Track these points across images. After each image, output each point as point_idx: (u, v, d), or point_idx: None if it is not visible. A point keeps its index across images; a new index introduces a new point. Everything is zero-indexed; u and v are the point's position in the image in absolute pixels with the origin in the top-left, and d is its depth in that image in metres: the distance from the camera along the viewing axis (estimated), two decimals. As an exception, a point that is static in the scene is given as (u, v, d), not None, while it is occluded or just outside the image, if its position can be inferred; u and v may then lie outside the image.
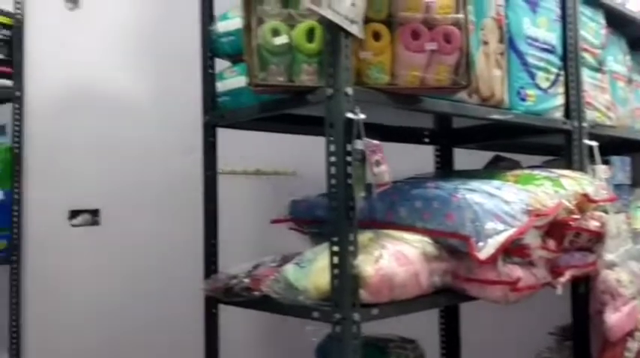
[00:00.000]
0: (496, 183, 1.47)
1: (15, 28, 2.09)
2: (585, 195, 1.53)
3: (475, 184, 1.43)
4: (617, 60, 2.14)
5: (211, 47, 1.57)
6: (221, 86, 1.55)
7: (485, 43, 1.55)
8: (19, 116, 2.09)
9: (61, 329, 2.40)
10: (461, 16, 1.32)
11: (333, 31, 1.21)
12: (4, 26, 2.07)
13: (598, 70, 1.97)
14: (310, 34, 1.26)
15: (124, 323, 2.57)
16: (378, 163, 1.19)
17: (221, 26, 1.53)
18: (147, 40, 2.72)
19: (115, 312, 2.56)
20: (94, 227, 2.54)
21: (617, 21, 2.11)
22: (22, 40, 2.10)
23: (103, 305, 2.54)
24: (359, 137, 1.19)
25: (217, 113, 1.57)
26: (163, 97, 2.75)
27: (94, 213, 2.55)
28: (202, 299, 1.97)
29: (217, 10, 1.61)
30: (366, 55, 1.27)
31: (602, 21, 2.02)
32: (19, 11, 2.11)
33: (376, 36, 1.28)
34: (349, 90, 1.21)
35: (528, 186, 1.50)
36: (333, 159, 1.21)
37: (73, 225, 2.49)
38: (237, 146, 1.91)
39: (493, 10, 1.57)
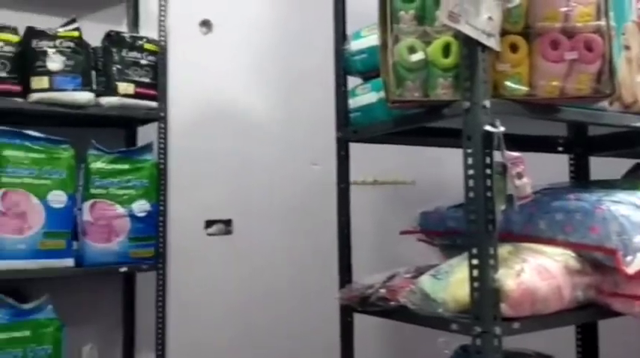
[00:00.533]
0: (644, 194, 1.40)
1: (159, 54, 2.28)
2: None
3: (620, 195, 1.37)
4: None
5: (344, 65, 1.63)
6: (353, 103, 1.61)
7: (627, 47, 1.48)
8: (163, 134, 2.28)
9: (200, 329, 2.58)
10: (602, 23, 1.28)
11: (469, 45, 1.22)
12: (151, 53, 2.27)
13: None
14: (446, 49, 1.28)
15: (256, 328, 2.72)
16: (519, 176, 1.18)
17: (354, 45, 1.58)
18: (276, 60, 2.88)
19: (247, 316, 2.71)
20: (228, 236, 2.71)
21: None
22: (165, 64, 2.29)
23: (236, 309, 2.70)
24: (499, 149, 1.19)
25: (350, 129, 1.62)
26: (292, 114, 2.89)
27: (227, 222, 2.72)
28: (326, 304, 2.03)
29: (349, 29, 1.67)
30: (503, 67, 1.27)
31: None
32: (162, 38, 2.30)
33: (513, 48, 1.28)
34: (487, 103, 1.22)
35: (680, 197, 1.42)
36: (471, 171, 1.22)
37: (209, 234, 2.68)
38: (355, 157, 1.96)
39: (634, 14, 1.50)
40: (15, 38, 2.04)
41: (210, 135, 2.69)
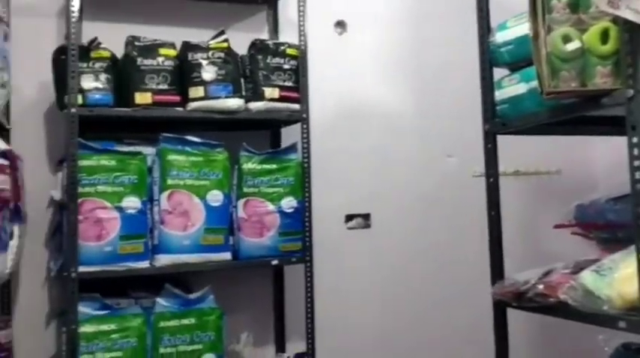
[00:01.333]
0: None
1: (300, 58, 2.38)
2: None
3: None
4: None
5: (490, 57, 1.61)
6: (499, 94, 1.59)
7: None
8: (306, 135, 2.39)
9: (344, 318, 2.68)
10: None
11: (631, 30, 1.16)
12: (292, 57, 2.38)
13: None
14: (604, 36, 1.23)
15: (398, 317, 2.77)
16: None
17: (499, 36, 1.56)
18: (410, 56, 2.90)
19: (389, 305, 2.77)
20: (366, 229, 2.78)
21: None
22: (306, 67, 2.39)
23: (378, 299, 2.77)
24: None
25: (498, 121, 1.60)
26: (426, 108, 2.89)
27: (366, 216, 2.79)
28: (471, 298, 2.01)
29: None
30: (668, 50, 1.19)
31: None
32: (302, 43, 2.41)
33: (681, 28, 1.19)
34: (652, 90, 1.15)
35: None
36: (637, 163, 1.16)
37: (349, 228, 2.76)
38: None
39: None
40: (173, 52, 2.24)
41: (349, 133, 2.77)
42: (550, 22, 1.26)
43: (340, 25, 2.84)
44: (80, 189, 2.05)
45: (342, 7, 2.81)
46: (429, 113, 2.89)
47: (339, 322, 2.63)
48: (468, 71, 2.70)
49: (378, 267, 2.77)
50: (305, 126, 2.38)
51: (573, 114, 1.37)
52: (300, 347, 2.44)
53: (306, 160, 2.38)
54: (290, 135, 2.57)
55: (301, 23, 2.41)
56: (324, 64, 2.66)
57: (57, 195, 2.19)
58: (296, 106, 2.36)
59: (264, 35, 2.67)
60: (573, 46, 1.23)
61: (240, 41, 2.41)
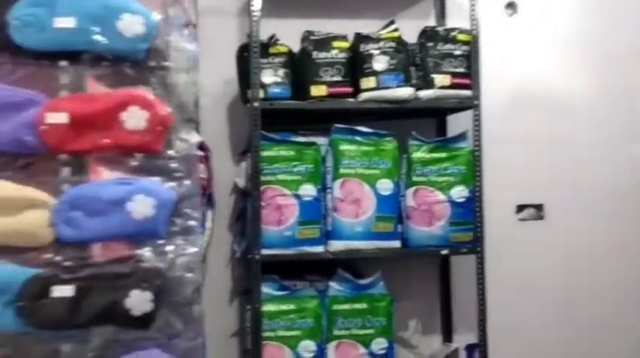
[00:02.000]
0: None
1: (472, 43, 2.32)
2: None
3: None
4: None
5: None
6: None
7: None
8: (477, 122, 2.33)
9: (516, 310, 2.59)
10: None
11: None
12: (464, 43, 2.33)
13: None
14: None
15: (573, 318, 2.62)
16: None
17: None
18: (586, 38, 2.71)
19: (564, 303, 2.64)
20: (539, 221, 2.66)
21: None
22: (478, 53, 2.32)
23: (551, 295, 2.64)
24: None
25: None
26: (606, 93, 2.70)
27: (539, 207, 2.67)
28: None
29: None
30: None
31: None
32: (474, 27, 2.34)
33: None
34: None
35: None
36: None
37: (520, 219, 2.66)
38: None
39: None
40: (346, 45, 2.30)
41: (520, 119, 2.67)
42: None
43: (511, 6, 2.72)
44: (262, 178, 2.19)
45: (513, -13, 2.69)
46: (608, 98, 2.69)
47: (507, 317, 2.55)
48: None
49: (552, 263, 2.64)
50: (477, 113, 2.33)
51: None
52: (468, 338, 2.42)
53: (477, 148, 2.33)
54: (456, 122, 2.53)
55: (472, 7, 2.34)
56: (494, 48, 2.59)
57: (241, 183, 2.36)
58: (467, 93, 2.32)
59: (432, 21, 2.65)
60: None
61: (408, 29, 2.41)
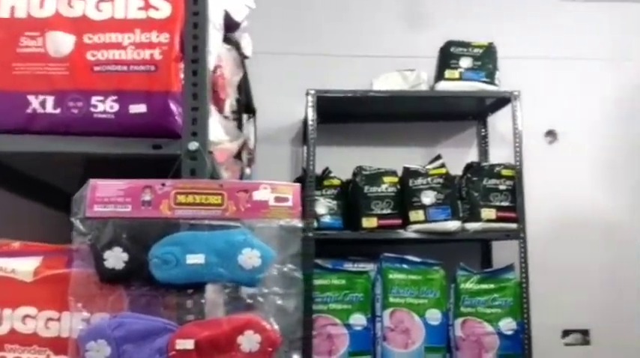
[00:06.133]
0: None
1: (516, 178, 2.42)
2: None
3: None
4: None
5: None
6: None
7: None
8: (523, 253, 2.39)
9: None
10: None
11: None
12: (508, 178, 2.43)
13: None
14: None
15: None
16: None
17: None
18: (624, 163, 2.79)
19: None
20: (585, 346, 2.66)
21: None
22: (522, 187, 2.41)
23: None
24: None
25: None
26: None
27: (585, 332, 2.68)
28: None
29: None
30: None
31: None
32: (517, 162, 2.45)
33: None
34: None
35: None
36: None
37: (566, 344, 2.67)
38: None
39: None
40: (395, 180, 2.43)
41: (566, 245, 2.72)
42: None
43: (551, 134, 2.84)
44: (314, 306, 2.27)
45: (552, 116, 2.81)
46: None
47: None
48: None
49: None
50: (522, 244, 2.39)
51: None
52: None
53: (524, 280, 2.38)
54: (501, 247, 2.60)
55: (517, 143, 2.45)
56: (536, 175, 2.66)
57: (291, 309, 2.44)
58: (513, 226, 2.39)
59: (475, 148, 2.77)
60: None
61: (452, 159, 2.54)
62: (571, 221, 2.75)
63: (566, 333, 2.69)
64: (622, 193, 2.78)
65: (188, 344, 0.91)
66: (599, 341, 2.67)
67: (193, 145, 0.93)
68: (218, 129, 1.08)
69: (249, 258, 0.94)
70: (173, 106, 0.98)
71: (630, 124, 2.82)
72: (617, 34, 2.86)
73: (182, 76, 0.98)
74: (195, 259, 0.92)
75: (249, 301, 0.95)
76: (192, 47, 0.97)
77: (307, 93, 2.38)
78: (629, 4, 2.87)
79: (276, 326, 0.94)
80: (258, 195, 0.94)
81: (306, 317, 2.24)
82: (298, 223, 0.96)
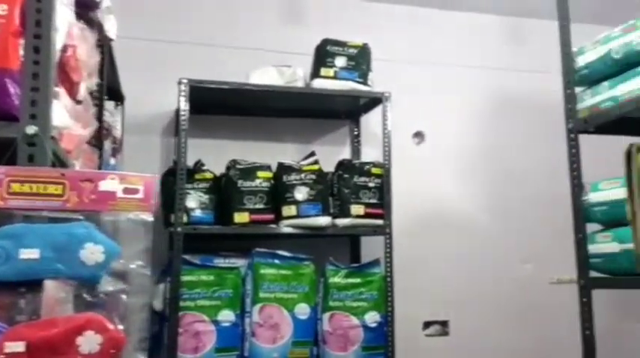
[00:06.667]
0: None
1: (384, 176, 2.51)
2: None
3: None
4: None
5: (583, 215, 1.69)
6: (593, 248, 1.66)
7: None
8: (389, 248, 2.48)
9: None
10: None
11: None
12: (377, 176, 2.52)
13: None
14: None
15: None
16: None
17: (593, 196, 1.65)
18: (485, 163, 2.99)
19: None
20: (444, 337, 2.83)
21: None
22: (390, 185, 2.51)
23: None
24: None
25: (592, 276, 1.67)
26: (502, 215, 2.97)
27: (444, 323, 2.84)
28: None
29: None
30: None
31: None
32: (386, 161, 2.54)
33: None
34: None
35: None
36: None
37: (427, 335, 2.81)
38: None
39: None
40: (269, 175, 2.42)
41: (428, 241, 2.86)
42: (648, 206, 1.34)
43: (418, 135, 2.97)
44: (181, 303, 2.20)
45: (420, 118, 2.95)
46: (504, 220, 2.96)
47: None
48: (544, 179, 2.79)
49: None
50: (388, 241, 2.48)
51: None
52: None
53: (389, 273, 2.47)
54: (369, 242, 2.68)
55: (386, 143, 2.54)
56: (404, 174, 2.77)
57: (158, 305, 2.35)
58: (380, 222, 2.48)
59: (348, 147, 2.84)
60: (673, 231, 1.31)
61: (325, 154, 2.59)
62: (433, 218, 2.90)
63: (427, 325, 2.83)
64: (480, 193, 2.97)
65: (18, 346, 0.83)
66: (457, 331, 2.84)
67: (31, 129, 0.85)
68: (63, 114, 1.00)
69: (92, 253, 0.88)
70: (10, 85, 0.89)
71: (490, 128, 3.03)
72: (482, 44, 3.06)
73: (22, 52, 0.90)
74: (29, 254, 0.84)
75: (91, 299, 0.89)
76: (35, 21, 0.88)
77: (180, 83, 2.31)
78: (493, 16, 3.07)
79: (120, 326, 0.88)
80: (105, 186, 0.88)
81: (173, 315, 2.18)
82: (149, 217, 0.91)
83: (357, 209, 2.45)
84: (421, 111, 2.94)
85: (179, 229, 2.23)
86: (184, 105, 2.30)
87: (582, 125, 1.74)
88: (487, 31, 3.07)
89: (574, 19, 1.82)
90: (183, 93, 2.30)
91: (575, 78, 1.77)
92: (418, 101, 2.92)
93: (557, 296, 2.59)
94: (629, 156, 1.42)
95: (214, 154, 2.52)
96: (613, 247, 1.57)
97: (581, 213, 1.68)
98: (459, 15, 3.05)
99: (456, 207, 2.94)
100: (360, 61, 2.57)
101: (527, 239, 2.95)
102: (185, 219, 2.27)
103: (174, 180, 2.28)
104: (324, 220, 2.40)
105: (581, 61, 1.75)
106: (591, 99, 1.72)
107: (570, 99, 1.77)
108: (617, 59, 1.62)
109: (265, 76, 2.50)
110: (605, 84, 1.67)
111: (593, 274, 1.68)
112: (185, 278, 2.24)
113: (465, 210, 2.94)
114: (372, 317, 2.41)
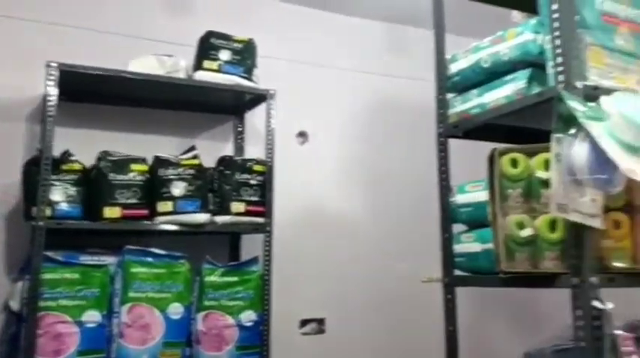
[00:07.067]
0: None
1: (266, 174, 2.49)
2: None
3: None
4: None
5: (450, 215, 1.76)
6: (458, 248, 1.73)
7: None
8: (268, 247, 2.46)
9: None
10: None
11: (576, 226, 1.33)
12: (259, 173, 2.49)
13: None
14: (552, 224, 1.39)
15: None
16: (629, 354, 1.26)
17: (459, 198, 1.72)
18: (364, 165, 3.06)
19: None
20: (320, 335, 2.85)
21: None
22: (272, 183, 2.49)
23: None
24: (609, 325, 1.28)
25: (457, 274, 1.75)
26: (378, 213, 3.04)
27: (321, 321, 2.86)
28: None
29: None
30: (608, 242, 1.36)
31: None
32: (269, 158, 2.52)
33: (616, 224, 1.37)
34: (594, 280, 1.31)
35: None
36: (582, 345, 1.30)
37: (303, 333, 2.82)
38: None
39: None
40: (144, 168, 2.31)
41: (308, 240, 2.87)
42: (506, 208, 1.42)
43: (302, 134, 2.98)
44: (41, 303, 2.04)
45: (305, 117, 2.96)
46: (382, 220, 3.04)
47: None
48: (420, 182, 2.89)
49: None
50: (268, 239, 2.46)
51: (525, 287, 1.52)
52: None
53: (267, 272, 2.45)
54: (250, 240, 2.64)
55: (269, 139, 2.52)
56: (287, 173, 2.76)
57: (15, 305, 2.16)
58: (260, 220, 2.45)
59: (231, 143, 2.79)
60: (527, 232, 1.40)
61: (207, 150, 2.53)
62: (314, 217, 2.91)
63: (303, 323, 2.84)
64: (359, 194, 3.03)
65: None
66: (333, 329, 2.88)
67: None
68: None
69: None
70: None
71: (370, 132, 3.10)
72: (364, 48, 3.13)
73: None
74: None
75: None
76: None
77: (48, 66, 2.14)
78: (376, 22, 3.15)
79: None
80: None
81: (31, 316, 2.02)
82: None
83: (237, 206, 2.41)
84: (305, 111, 2.95)
85: (41, 223, 2.07)
86: (53, 91, 2.13)
87: (452, 130, 1.81)
88: (369, 36, 3.15)
89: (451, 31, 1.91)
90: (51, 78, 2.14)
91: (448, 84, 1.85)
92: (303, 101, 2.92)
93: (430, 294, 2.69)
94: (491, 160, 1.50)
95: (86, 145, 2.36)
96: (475, 247, 1.65)
97: (448, 214, 1.75)
98: (344, 18, 3.10)
99: (336, 207, 2.98)
100: (246, 56, 2.53)
101: (403, 239, 3.04)
102: (49, 212, 2.10)
103: (38, 170, 2.11)
104: (202, 217, 2.33)
105: (453, 69, 1.83)
106: (461, 105, 1.80)
107: (442, 105, 1.84)
108: (486, 68, 1.71)
109: (145, 65, 2.38)
110: (475, 91, 1.76)
111: (459, 273, 1.77)
112: (46, 276, 2.08)
113: (344, 210, 2.99)
114: (248, 316, 2.38)
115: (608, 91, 1.36)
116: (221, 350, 2.31)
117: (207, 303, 2.34)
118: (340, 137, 3.03)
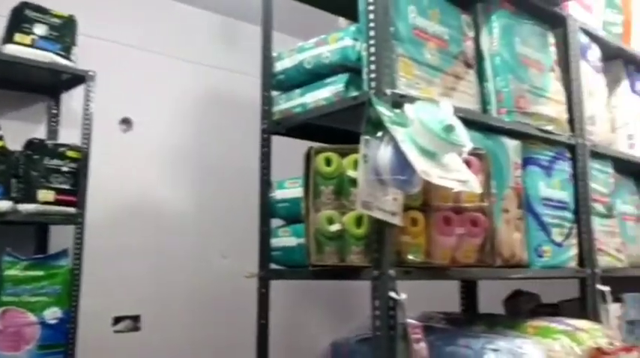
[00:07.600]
0: (518, 341, 1.64)
1: (81, 160, 2.33)
2: (599, 349, 1.70)
3: (500, 343, 1.60)
4: (625, 201, 2.35)
5: (269, 210, 1.79)
6: (275, 242, 1.77)
7: (506, 211, 1.76)
8: (79, 239, 2.31)
9: None
10: (485, 204, 1.54)
11: (378, 222, 1.42)
12: (73, 160, 2.32)
13: (608, 216, 2.18)
14: (358, 221, 1.48)
15: None
16: (418, 341, 1.38)
17: (278, 194, 1.76)
18: (190, 157, 3.00)
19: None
20: (135, 332, 2.74)
21: (624, 165, 2.33)
22: (87, 171, 2.34)
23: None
24: (402, 315, 1.39)
25: (272, 269, 1.78)
26: (203, 207, 3.00)
27: (135, 318, 2.75)
28: None
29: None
30: (405, 238, 1.48)
31: (611, 170, 2.24)
32: (85, 145, 2.36)
33: (414, 222, 1.50)
34: (392, 272, 1.42)
35: (547, 340, 1.68)
36: (378, 333, 1.40)
37: (116, 331, 2.69)
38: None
39: (512, 181, 1.79)
40: None
41: (124, 232, 2.74)
42: (319, 205, 1.48)
43: (126, 122, 2.84)
44: None
45: (129, 104, 2.82)
46: (204, 212, 3.00)
47: None
48: (247, 177, 2.90)
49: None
50: (79, 231, 2.31)
51: (334, 279, 1.60)
52: None
53: (77, 266, 2.30)
54: (60, 231, 2.46)
55: (86, 124, 2.38)
56: (106, 161, 2.62)
57: None
58: (72, 210, 2.29)
59: (43, 126, 2.56)
60: (335, 227, 1.47)
61: (15, 131, 2.30)
62: (134, 210, 2.79)
63: (117, 320, 2.70)
64: (182, 187, 2.97)
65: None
66: (150, 326, 2.78)
67: None
68: None
69: None
70: None
71: (196, 124, 3.04)
72: (194, 38, 3.07)
73: None
74: None
75: None
76: None
77: None
78: (208, 12, 3.11)
79: None
80: None
81: None
82: None
83: (45, 194, 2.23)
84: (130, 97, 2.81)
85: None
86: None
87: (275, 127, 1.84)
88: (203, 26, 3.10)
89: (283, 30, 1.93)
90: None
91: (273, 82, 1.87)
92: (129, 86, 2.79)
93: (253, 290, 2.72)
94: (308, 158, 1.55)
95: None
96: (291, 241, 1.69)
97: (267, 209, 1.78)
98: (178, 5, 3.02)
99: (158, 200, 2.88)
100: (65, 32, 2.35)
101: (226, 234, 3.03)
102: None
103: None
104: (3, 204, 2.12)
105: (279, 67, 1.86)
106: (285, 103, 1.83)
107: (266, 102, 1.86)
108: (309, 69, 1.76)
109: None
110: (298, 91, 1.80)
111: (276, 267, 1.80)
112: None
113: (167, 203, 2.91)
114: (53, 313, 2.21)
115: (413, 100, 1.47)
116: (19, 350, 2.13)
117: (5, 299, 2.14)
118: (167, 127, 2.94)
